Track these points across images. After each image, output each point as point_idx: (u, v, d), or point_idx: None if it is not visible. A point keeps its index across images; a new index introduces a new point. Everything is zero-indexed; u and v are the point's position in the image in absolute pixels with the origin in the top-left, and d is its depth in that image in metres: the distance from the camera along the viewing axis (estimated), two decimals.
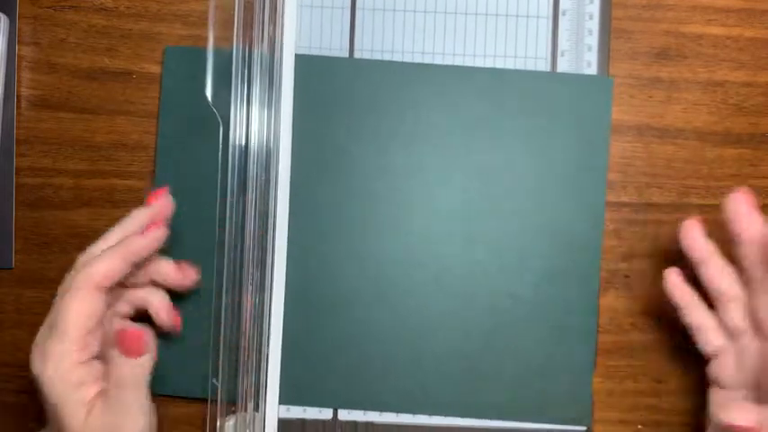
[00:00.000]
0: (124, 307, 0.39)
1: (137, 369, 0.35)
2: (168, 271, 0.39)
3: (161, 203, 0.39)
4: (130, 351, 0.34)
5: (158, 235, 0.37)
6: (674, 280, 0.39)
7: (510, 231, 0.42)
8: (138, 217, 0.38)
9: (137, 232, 0.37)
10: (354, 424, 0.42)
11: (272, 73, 0.42)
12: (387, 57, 0.43)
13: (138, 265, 0.38)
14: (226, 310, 0.40)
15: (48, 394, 0.34)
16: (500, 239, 0.42)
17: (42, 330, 0.35)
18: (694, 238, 0.38)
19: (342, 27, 0.43)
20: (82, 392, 0.34)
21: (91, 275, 0.35)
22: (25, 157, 0.43)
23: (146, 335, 0.35)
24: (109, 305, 0.37)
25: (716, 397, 0.38)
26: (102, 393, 0.35)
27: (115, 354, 0.35)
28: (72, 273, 0.36)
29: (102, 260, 0.35)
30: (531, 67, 0.43)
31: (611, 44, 0.43)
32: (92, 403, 0.34)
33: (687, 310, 0.38)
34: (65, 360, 0.34)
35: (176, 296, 0.42)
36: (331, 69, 0.43)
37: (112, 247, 0.36)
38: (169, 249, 0.42)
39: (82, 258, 0.37)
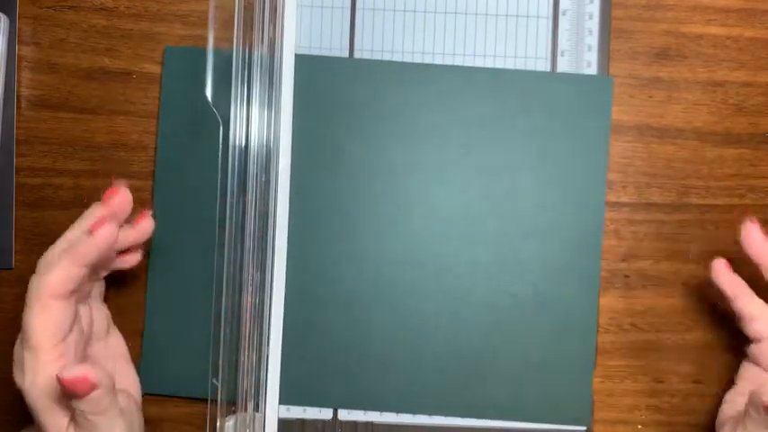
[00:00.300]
0: (98, 293, 0.39)
1: (93, 403, 0.33)
2: (129, 237, 0.38)
3: (117, 200, 0.37)
4: (78, 393, 0.32)
5: (106, 234, 0.34)
6: (722, 269, 0.39)
7: (510, 231, 0.42)
8: (93, 214, 0.36)
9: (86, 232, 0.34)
10: (354, 424, 0.42)
11: (272, 73, 0.42)
12: (387, 57, 0.43)
13: (98, 264, 0.36)
14: (226, 310, 0.40)
15: (29, 405, 0.34)
16: (500, 239, 0.42)
17: (18, 340, 0.35)
18: (757, 240, 0.38)
19: (342, 27, 0.43)
20: (61, 404, 0.34)
21: (45, 286, 0.34)
22: (25, 157, 0.43)
23: (88, 374, 0.32)
24: (82, 299, 0.37)
25: (750, 372, 0.39)
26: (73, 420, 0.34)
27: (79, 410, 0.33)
28: (32, 278, 0.35)
29: (54, 269, 0.34)
30: (531, 67, 0.43)
31: (611, 44, 0.43)
32: (66, 426, 0.34)
33: (738, 299, 0.39)
34: (39, 373, 0.33)
35: (177, 295, 0.42)
36: (331, 69, 0.43)
37: (63, 251, 0.34)
38: (169, 249, 0.42)
39: (41, 261, 0.35)
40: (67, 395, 0.32)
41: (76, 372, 0.31)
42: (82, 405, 0.32)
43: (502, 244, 0.42)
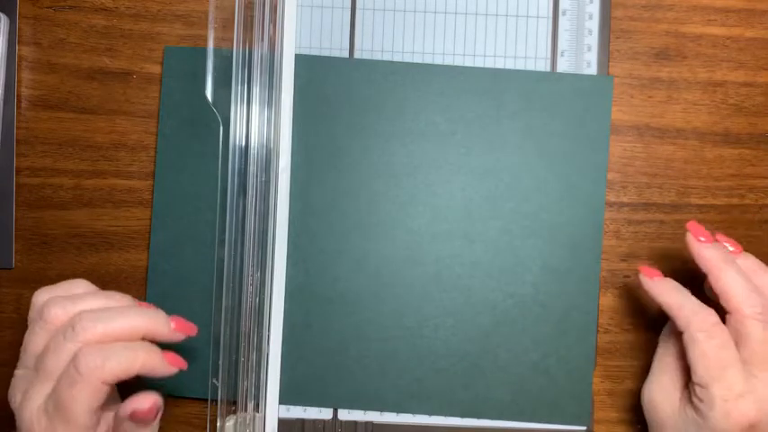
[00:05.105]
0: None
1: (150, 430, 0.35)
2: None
3: (183, 330, 0.37)
4: (147, 421, 0.35)
5: (178, 368, 0.36)
6: (697, 241, 0.37)
7: (510, 231, 0.42)
8: (156, 318, 0.36)
9: (161, 358, 0.35)
10: (354, 424, 0.42)
11: (272, 73, 0.42)
12: (387, 57, 0.43)
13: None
14: (226, 311, 0.40)
15: None
16: (500, 239, 0.42)
17: (26, 373, 0.34)
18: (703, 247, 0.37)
19: (342, 27, 0.43)
20: None
21: (103, 373, 0.33)
22: (25, 157, 0.43)
23: (159, 400, 0.35)
24: None
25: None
26: None
27: (128, 425, 0.34)
28: (85, 354, 0.34)
29: (119, 359, 0.34)
30: (531, 67, 0.43)
31: (611, 44, 0.43)
32: None
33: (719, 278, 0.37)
34: None
35: (177, 295, 0.42)
36: (331, 69, 0.43)
37: (134, 351, 0.34)
38: (169, 249, 0.42)
39: (88, 329, 0.34)
40: (139, 422, 0.34)
41: (150, 399, 0.34)
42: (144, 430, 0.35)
43: (502, 244, 0.42)
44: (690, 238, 0.37)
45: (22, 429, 0.34)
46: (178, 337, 0.36)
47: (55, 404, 0.33)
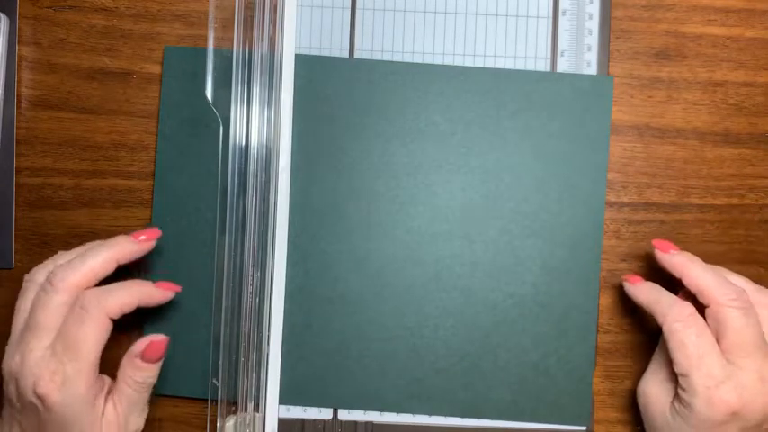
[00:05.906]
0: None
1: (153, 372, 0.38)
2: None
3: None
4: (154, 359, 0.38)
5: (173, 291, 0.40)
6: (662, 252, 0.40)
7: (510, 231, 0.42)
8: (120, 242, 0.39)
9: (152, 284, 0.39)
10: (354, 424, 0.42)
11: (272, 73, 0.42)
12: (387, 57, 0.43)
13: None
14: (226, 311, 0.40)
15: (60, 414, 0.35)
16: (500, 239, 0.42)
17: (43, 352, 0.36)
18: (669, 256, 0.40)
19: (342, 27, 0.43)
20: (96, 405, 0.37)
21: (108, 305, 0.36)
22: (25, 157, 0.43)
23: (165, 339, 0.38)
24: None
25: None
26: (111, 395, 0.38)
27: (137, 361, 0.37)
28: (87, 294, 0.37)
29: (120, 293, 0.37)
30: (531, 67, 0.43)
31: (611, 44, 0.43)
32: (103, 409, 0.37)
33: (686, 275, 0.39)
34: (81, 384, 0.36)
35: (177, 295, 0.42)
36: (331, 69, 0.43)
37: (130, 285, 0.38)
38: (169, 249, 0.42)
39: (83, 267, 0.37)
40: (148, 359, 0.37)
41: (161, 337, 0.38)
42: (146, 373, 0.38)
43: (502, 244, 0.42)
44: (658, 253, 0.39)
45: (26, 384, 0.35)
46: (145, 246, 0.39)
47: (64, 345, 0.36)
